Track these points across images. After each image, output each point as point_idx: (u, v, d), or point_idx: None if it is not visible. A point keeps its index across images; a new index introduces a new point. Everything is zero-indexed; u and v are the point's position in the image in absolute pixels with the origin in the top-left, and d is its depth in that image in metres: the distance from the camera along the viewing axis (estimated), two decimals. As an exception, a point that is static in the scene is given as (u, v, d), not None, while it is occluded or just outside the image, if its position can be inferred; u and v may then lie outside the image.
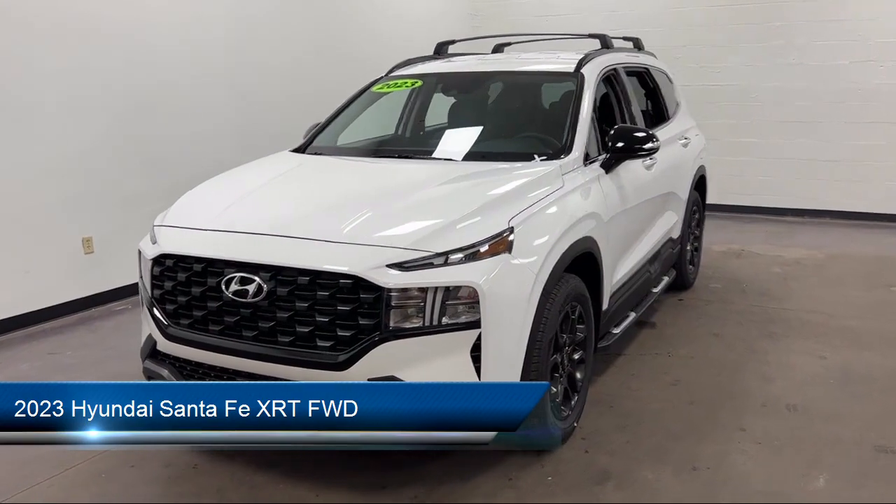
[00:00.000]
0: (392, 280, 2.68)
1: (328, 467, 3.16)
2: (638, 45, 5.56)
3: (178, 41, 5.84)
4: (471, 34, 10.42)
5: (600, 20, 9.28)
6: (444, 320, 2.72)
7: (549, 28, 9.52)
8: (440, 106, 4.56)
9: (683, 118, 5.66)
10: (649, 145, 3.83)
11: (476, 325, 2.73)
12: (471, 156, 3.75)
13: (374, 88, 4.57)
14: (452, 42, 5.11)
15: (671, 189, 4.99)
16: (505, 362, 2.85)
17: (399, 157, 3.79)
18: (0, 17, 4.70)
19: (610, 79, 4.51)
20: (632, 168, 4.17)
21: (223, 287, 2.86)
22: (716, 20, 8.71)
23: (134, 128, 5.56)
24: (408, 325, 2.70)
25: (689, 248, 5.71)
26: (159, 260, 3.09)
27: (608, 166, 3.82)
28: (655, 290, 4.87)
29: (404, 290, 2.69)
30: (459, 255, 2.76)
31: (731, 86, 8.79)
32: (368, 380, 2.70)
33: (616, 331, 4.11)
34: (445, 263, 2.74)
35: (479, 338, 2.74)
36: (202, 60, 6.05)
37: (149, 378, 3.21)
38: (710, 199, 8.91)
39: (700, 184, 5.85)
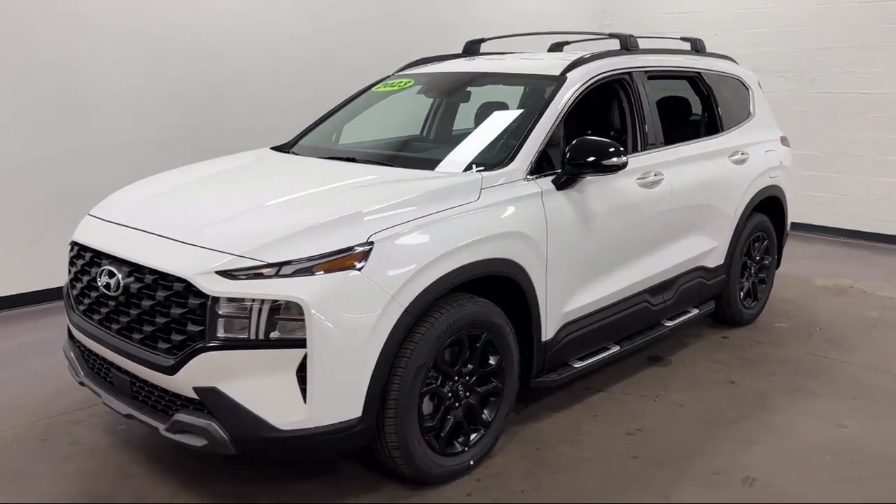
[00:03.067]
0: (218, 287, 2.58)
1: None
2: (696, 47, 4.93)
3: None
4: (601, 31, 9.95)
5: (733, 18, 8.40)
6: (273, 335, 2.58)
7: (677, 27, 8.81)
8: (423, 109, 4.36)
9: (751, 131, 4.95)
10: (611, 161, 3.37)
11: (303, 343, 2.55)
12: (403, 161, 3.53)
13: (374, 88, 4.45)
14: (483, 40, 4.84)
15: (701, 211, 4.39)
16: (339, 388, 2.64)
17: (345, 160, 3.64)
18: None
19: (615, 85, 4.05)
20: (615, 185, 3.71)
21: (97, 278, 2.93)
22: (869, 17, 7.53)
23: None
24: (233, 337, 2.59)
25: (745, 279, 4.99)
26: (71, 246, 3.23)
27: (563, 182, 3.41)
28: (669, 324, 4.32)
29: (230, 299, 2.58)
30: (293, 268, 2.59)
31: (882, 95, 7.57)
32: (193, 389, 2.63)
33: (579, 365, 3.70)
34: (277, 275, 2.58)
35: (305, 358, 2.56)
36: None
37: (67, 360, 3.36)
38: (844, 224, 7.88)
39: (768, 206, 5.09)
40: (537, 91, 3.77)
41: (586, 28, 9.30)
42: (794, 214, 8.31)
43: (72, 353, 3.28)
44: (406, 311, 2.72)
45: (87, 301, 3.06)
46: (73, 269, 3.18)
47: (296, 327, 2.56)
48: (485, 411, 3.20)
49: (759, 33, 8.25)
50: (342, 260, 2.64)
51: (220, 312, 2.58)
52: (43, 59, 5.06)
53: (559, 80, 3.74)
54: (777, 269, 5.44)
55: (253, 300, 2.56)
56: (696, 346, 4.72)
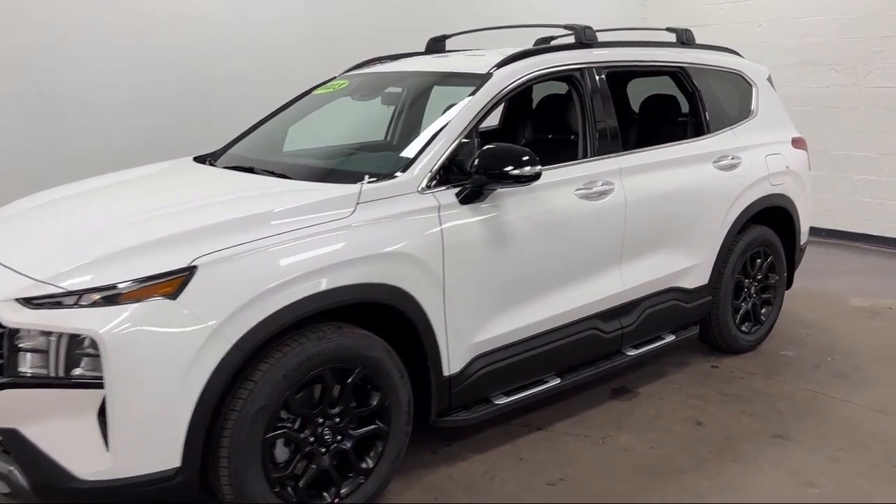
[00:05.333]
0: (15, 317, 2.31)
1: None
2: (682, 39, 4.37)
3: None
4: (639, 24, 9.30)
5: (779, 7, 7.63)
6: (75, 372, 2.29)
7: (721, 17, 8.11)
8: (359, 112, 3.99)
9: (749, 132, 4.34)
10: (520, 171, 2.93)
11: (102, 383, 2.25)
12: (302, 173, 3.17)
13: (316, 91, 4.13)
14: (447, 37, 4.44)
15: (672, 224, 3.85)
16: (148, 434, 2.32)
17: (247, 170, 3.32)
18: None
19: (566, 83, 3.59)
20: (544, 197, 3.26)
21: None
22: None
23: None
24: (34, 373, 2.31)
25: (742, 301, 4.39)
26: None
27: (468, 195, 2.99)
28: (633, 353, 3.81)
29: (30, 330, 2.30)
30: (94, 296, 2.30)
31: (948, 89, 6.68)
32: (-2, 427, 2.38)
33: (502, 401, 3.26)
34: (76, 304, 2.30)
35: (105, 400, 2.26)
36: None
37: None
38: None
39: (772, 218, 4.47)
40: (459, 92, 3.35)
41: (624, 24, 8.72)
42: (846, 223, 7.62)
43: None
44: (235, 346, 2.38)
45: None
46: None
47: (97, 365, 2.26)
48: (369, 457, 2.82)
49: (808, 22, 7.45)
50: (156, 287, 2.32)
51: (18, 345, 2.31)
52: (19, 62, 4.91)
53: (483, 78, 3.31)
54: (788, 288, 4.79)
55: (52, 333, 2.28)
56: (675, 376, 4.17)
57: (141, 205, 2.97)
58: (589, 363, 3.66)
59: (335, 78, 4.15)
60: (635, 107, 4.77)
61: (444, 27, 4.59)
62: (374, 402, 2.78)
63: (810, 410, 3.74)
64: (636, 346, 3.86)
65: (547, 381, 3.46)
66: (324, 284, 2.55)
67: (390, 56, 4.21)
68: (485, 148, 2.98)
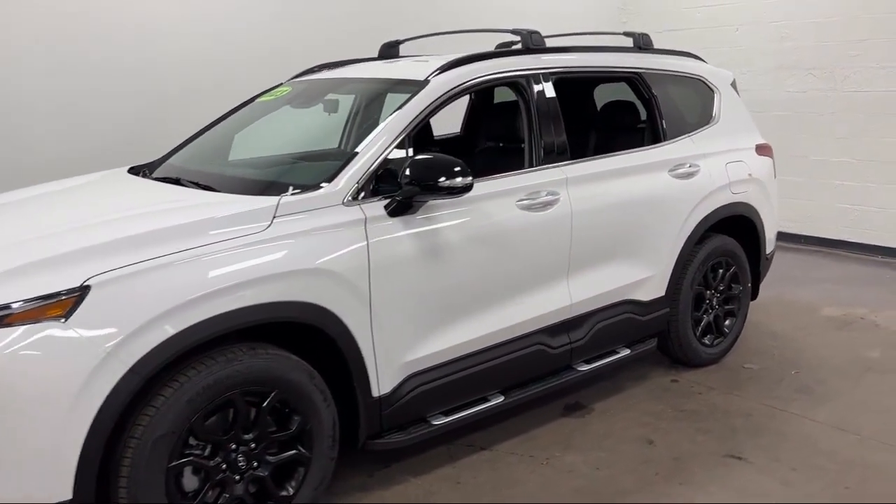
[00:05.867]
0: None
1: None
2: (639, 44, 4.24)
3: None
4: (618, 28, 9.18)
5: (757, 10, 7.51)
6: (-42, 400, 2.15)
7: (697, 22, 8.00)
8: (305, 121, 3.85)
9: (708, 139, 4.21)
10: (450, 183, 2.80)
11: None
12: (229, 184, 3.02)
13: (260, 98, 4.00)
14: (400, 42, 4.32)
15: (624, 235, 3.72)
16: (32, 464, 2.18)
17: (176, 181, 3.18)
18: None
19: (512, 90, 3.47)
20: (482, 209, 3.13)
21: None
22: (906, 5, 6.55)
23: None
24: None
25: (703, 313, 4.26)
26: None
27: (398, 207, 2.86)
28: (585, 368, 3.68)
29: None
30: (-24, 319, 2.17)
31: (923, 93, 6.56)
32: None
33: (440, 422, 3.13)
34: (-45, 328, 2.16)
35: (-21, 430, 2.13)
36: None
37: None
38: (884, 241, 6.86)
39: (735, 227, 4.34)
40: (397, 99, 3.22)
41: (603, 28, 8.61)
42: (825, 230, 7.48)
43: None
44: (132, 370, 2.25)
45: None
46: None
47: (-24, 392, 2.13)
48: (290, 484, 2.68)
49: (785, 25, 7.34)
50: (46, 308, 2.19)
51: None
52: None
53: (420, 85, 3.19)
54: (754, 299, 4.66)
55: None
56: (632, 391, 4.03)
57: (54, 219, 2.84)
58: (536, 379, 3.53)
59: (280, 85, 4.02)
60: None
61: (412, 31, 4.47)
62: (294, 427, 2.65)
63: (767, 428, 3.61)
64: (588, 361, 3.73)
65: (490, 399, 3.32)
66: (231, 304, 2.41)
67: (338, 62, 4.08)
68: (414, 158, 2.85)
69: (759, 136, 4.65)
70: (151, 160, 3.76)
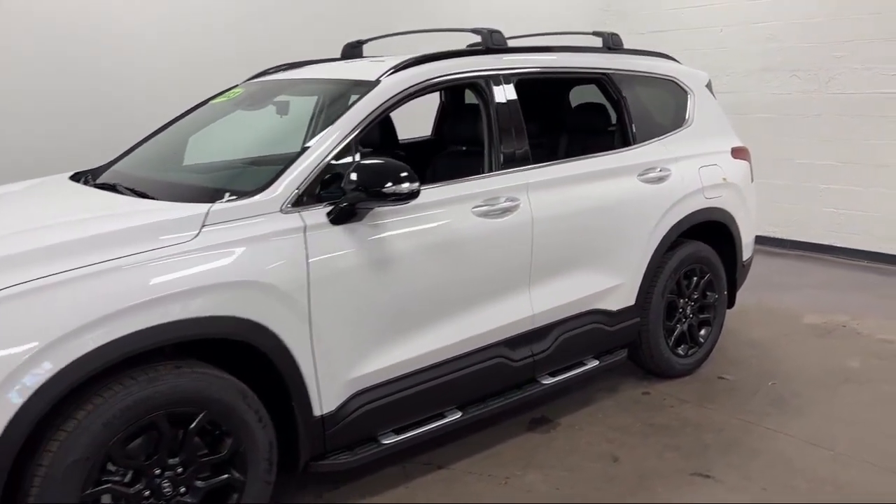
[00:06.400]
0: None
1: None
2: (609, 44, 4.09)
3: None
4: (602, 29, 9.04)
5: (741, 11, 7.37)
6: None
7: (681, 22, 7.86)
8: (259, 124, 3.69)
9: (680, 142, 4.07)
10: (395, 189, 2.64)
11: None
12: (168, 191, 2.86)
13: (214, 100, 3.84)
14: (362, 42, 4.16)
15: (590, 242, 3.57)
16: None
17: (113, 188, 3.02)
18: None
19: (472, 91, 3.33)
20: (434, 216, 2.98)
21: None
22: (890, 4, 6.41)
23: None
24: None
25: (677, 322, 4.11)
26: None
27: (341, 214, 2.70)
28: (550, 381, 3.53)
29: None
30: None
31: (910, 94, 6.42)
32: None
33: (391, 440, 2.97)
34: None
35: None
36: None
37: None
38: (868, 245, 6.71)
39: (709, 233, 4.20)
40: (344, 100, 3.07)
41: (584, 28, 8.47)
42: (810, 234, 7.33)
43: None
44: (37, 393, 2.09)
45: None
46: None
47: None
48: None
49: (769, 26, 7.21)
50: (-61, 329, 2.03)
51: None
52: None
53: (370, 86, 3.04)
54: (731, 307, 4.51)
55: None
56: (601, 404, 3.88)
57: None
58: (498, 394, 3.37)
59: (236, 86, 3.87)
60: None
61: (378, 29, 4.30)
62: (226, 450, 2.49)
63: (739, 444, 3.46)
64: (553, 374, 3.57)
65: (446, 416, 3.17)
66: (148, 320, 2.25)
67: (295, 63, 3.93)
68: (359, 162, 2.70)
69: (736, 138, 4.51)
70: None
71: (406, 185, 2.67)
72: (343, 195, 2.69)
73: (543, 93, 4.76)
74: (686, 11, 7.87)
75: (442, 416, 3.16)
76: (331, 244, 2.67)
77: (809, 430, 3.56)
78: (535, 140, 4.32)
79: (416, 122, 4.67)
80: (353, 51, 4.13)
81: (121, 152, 3.66)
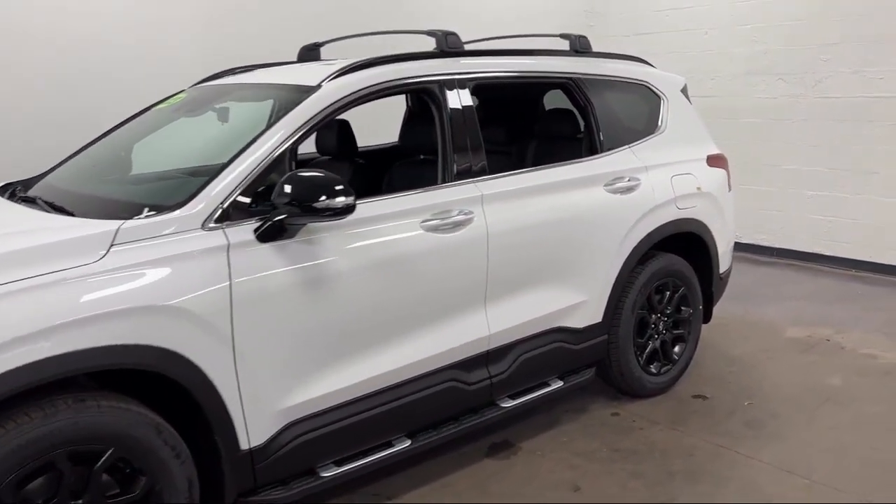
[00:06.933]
0: None
1: None
2: (576, 47, 3.90)
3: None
4: (584, 31, 8.84)
5: (726, 13, 7.19)
6: None
7: (666, 25, 7.67)
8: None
9: (652, 150, 3.88)
10: (326, 204, 2.44)
11: None
12: (86, 207, 2.65)
13: (159, 106, 3.63)
14: (318, 45, 3.97)
15: (552, 256, 3.37)
16: None
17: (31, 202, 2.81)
18: None
19: (425, 98, 3.13)
20: (378, 231, 2.78)
21: None
22: (880, 4, 6.21)
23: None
24: None
25: (649, 339, 3.91)
26: None
27: (269, 231, 2.50)
28: (510, 404, 3.33)
29: None
30: None
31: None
32: None
33: (330, 473, 2.77)
34: None
35: None
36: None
37: None
38: (856, 254, 6.52)
39: (683, 245, 4.00)
40: (282, 107, 2.86)
41: (568, 30, 8.29)
42: (798, 242, 7.13)
43: None
44: None
45: None
46: None
47: None
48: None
49: (755, 29, 7.03)
50: None
51: None
52: None
53: (309, 91, 2.84)
54: (707, 322, 4.31)
55: None
56: (567, 427, 3.68)
57: None
58: (452, 419, 3.17)
59: (181, 92, 3.67)
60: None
61: (355, 30, 4.09)
62: (139, 489, 2.28)
63: (708, 471, 3.26)
64: (514, 396, 3.37)
65: (395, 444, 2.96)
66: (40, 352, 2.04)
67: (247, 67, 3.73)
68: (289, 175, 2.50)
69: (713, 145, 4.31)
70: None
71: (341, 200, 2.47)
72: (274, 209, 2.49)
73: (514, 98, 4.57)
74: (671, 13, 7.68)
75: (390, 445, 2.95)
76: (258, 264, 2.47)
77: (785, 456, 3.36)
78: (503, 148, 4.16)
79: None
80: (309, 53, 3.95)
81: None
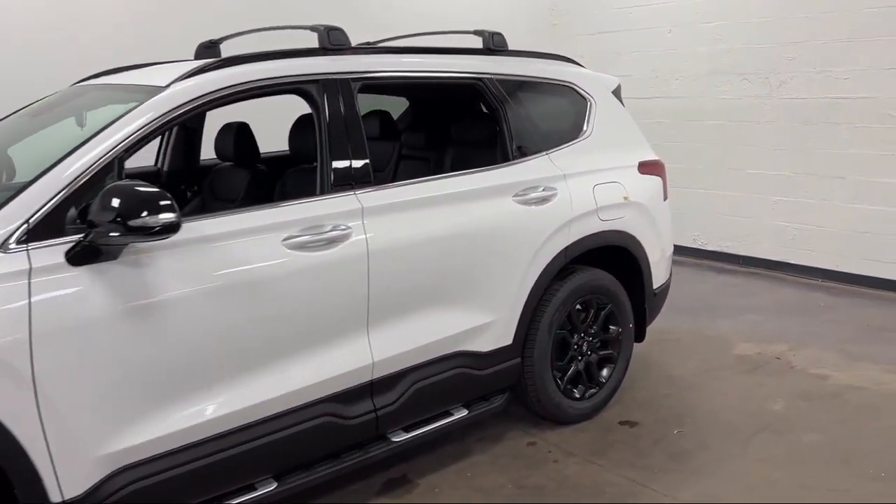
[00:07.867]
0: None
1: None
2: (489, 44, 3.58)
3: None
4: (548, 30, 8.53)
5: (689, 11, 6.88)
6: None
7: (629, 23, 7.36)
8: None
9: (573, 156, 3.57)
10: (143, 222, 2.13)
11: None
12: None
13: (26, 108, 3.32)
14: (219, 41, 3.66)
15: (449, 274, 3.06)
16: None
17: None
18: None
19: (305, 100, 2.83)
20: (225, 250, 2.47)
21: None
22: (842, 4, 5.91)
23: None
24: None
25: (571, 361, 3.61)
26: None
27: (84, 252, 2.19)
28: (403, 437, 3.03)
29: None
30: None
31: (864, 100, 5.90)
32: None
33: (176, 523, 2.45)
34: None
35: None
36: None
37: None
38: (823, 263, 6.20)
39: (610, 259, 3.70)
40: (121, 110, 2.55)
41: (533, 29, 7.99)
42: (762, 250, 6.81)
43: None
44: None
45: None
46: None
47: None
48: None
49: (718, 27, 6.72)
50: None
51: None
52: None
53: (153, 93, 2.53)
54: (640, 341, 4.00)
55: None
56: (475, 459, 3.37)
57: None
58: (332, 456, 2.86)
59: (55, 93, 3.36)
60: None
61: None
62: None
63: (615, 512, 2.95)
64: (408, 429, 3.06)
65: (258, 488, 2.65)
66: None
67: (128, 66, 3.42)
68: (107, 188, 2.18)
69: (648, 151, 4.01)
70: None
71: (163, 217, 2.16)
72: (93, 228, 2.18)
73: (443, 101, 4.26)
74: (634, 11, 7.37)
75: (252, 489, 2.64)
76: (67, 290, 2.16)
77: (706, 495, 3.05)
78: (421, 154, 3.85)
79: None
80: (207, 51, 3.63)
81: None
